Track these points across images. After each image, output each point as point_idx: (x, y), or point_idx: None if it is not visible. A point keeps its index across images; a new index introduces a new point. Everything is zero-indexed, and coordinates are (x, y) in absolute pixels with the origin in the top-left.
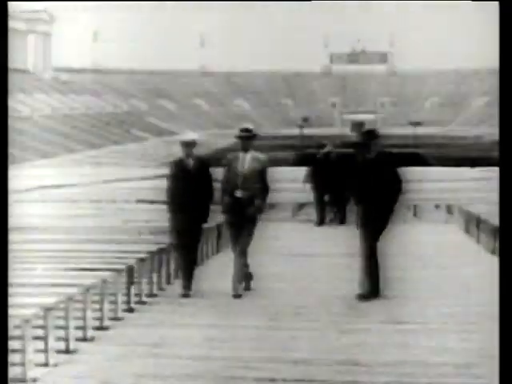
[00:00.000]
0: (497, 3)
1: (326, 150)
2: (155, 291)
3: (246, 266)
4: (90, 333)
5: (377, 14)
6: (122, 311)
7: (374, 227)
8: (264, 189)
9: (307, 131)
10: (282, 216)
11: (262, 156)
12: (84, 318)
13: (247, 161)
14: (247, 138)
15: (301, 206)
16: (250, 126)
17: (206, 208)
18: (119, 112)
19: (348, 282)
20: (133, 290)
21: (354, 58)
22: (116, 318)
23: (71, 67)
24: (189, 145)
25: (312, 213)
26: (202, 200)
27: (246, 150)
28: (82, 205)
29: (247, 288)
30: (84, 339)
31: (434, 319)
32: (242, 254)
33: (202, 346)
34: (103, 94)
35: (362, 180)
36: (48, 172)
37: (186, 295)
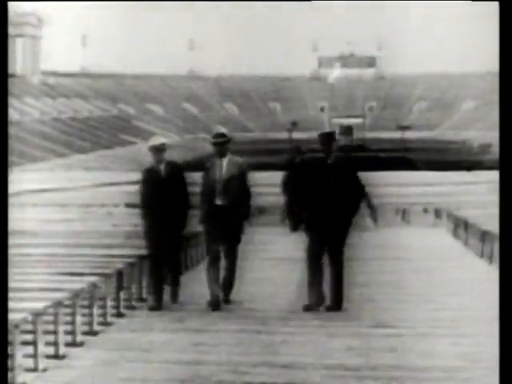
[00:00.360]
0: (497, 3)
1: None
2: (144, 296)
3: (231, 280)
4: (80, 338)
5: (365, 17)
6: (111, 316)
7: (335, 239)
8: (245, 194)
9: (296, 135)
10: (270, 220)
11: (239, 160)
12: (73, 323)
13: (225, 166)
14: (222, 144)
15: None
16: (224, 130)
17: (183, 214)
18: (108, 116)
19: None
20: (122, 295)
21: (342, 61)
22: (105, 323)
23: (60, 71)
24: (159, 150)
25: None
26: (177, 207)
27: (222, 155)
28: (71, 209)
29: (226, 300)
30: (73, 344)
31: (422, 323)
32: (231, 270)
33: (191, 350)
34: (92, 98)
35: (319, 188)
36: (37, 176)
37: (154, 308)
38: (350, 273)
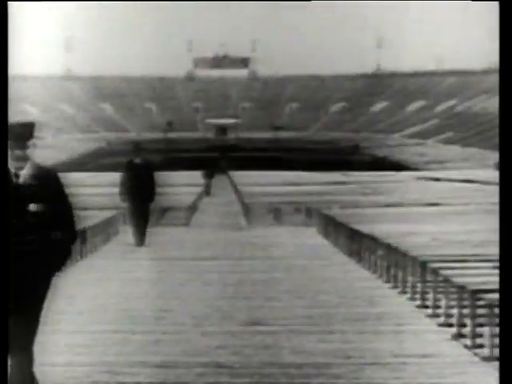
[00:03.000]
0: (497, 3)
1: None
2: None
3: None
4: None
5: (239, 18)
6: None
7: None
8: (60, 216)
9: (171, 135)
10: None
11: (47, 167)
12: None
13: (23, 174)
14: (21, 137)
15: (165, 210)
16: (29, 118)
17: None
18: None
19: (212, 285)
20: None
21: (216, 62)
22: None
23: None
24: None
25: (178, 217)
26: None
27: (20, 157)
28: None
29: None
30: None
31: (293, 321)
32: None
33: (65, 351)
34: None
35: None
36: None
37: None
38: (222, 271)
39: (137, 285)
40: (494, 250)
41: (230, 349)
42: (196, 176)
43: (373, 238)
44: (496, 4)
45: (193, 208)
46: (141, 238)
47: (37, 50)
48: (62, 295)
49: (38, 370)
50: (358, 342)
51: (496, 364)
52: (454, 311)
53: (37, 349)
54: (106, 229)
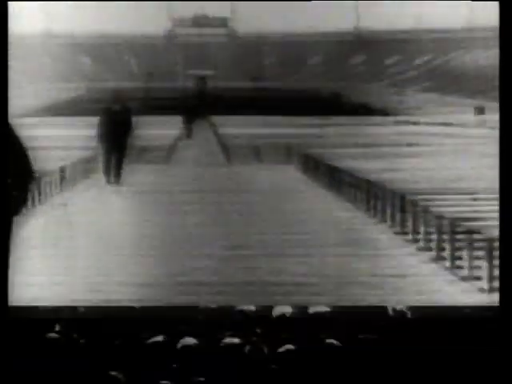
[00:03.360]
0: (497, 3)
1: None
2: None
3: None
4: None
5: None
6: None
7: None
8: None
9: (152, 85)
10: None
11: None
12: None
13: None
14: None
15: (144, 150)
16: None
17: None
18: None
19: (192, 214)
20: None
21: (195, 22)
22: None
23: None
24: None
25: (158, 156)
26: None
27: None
28: None
29: None
30: None
31: (272, 245)
32: None
33: (43, 273)
34: None
35: None
36: None
37: None
38: (202, 203)
39: (117, 214)
40: (471, 184)
41: (210, 270)
42: (176, 121)
43: (352, 174)
44: (496, 4)
45: (173, 148)
46: (116, 175)
47: (15, 5)
48: (40, 224)
49: (17, 289)
50: (337, 264)
51: (474, 283)
52: (433, 237)
53: (15, 270)
54: (86, 167)
